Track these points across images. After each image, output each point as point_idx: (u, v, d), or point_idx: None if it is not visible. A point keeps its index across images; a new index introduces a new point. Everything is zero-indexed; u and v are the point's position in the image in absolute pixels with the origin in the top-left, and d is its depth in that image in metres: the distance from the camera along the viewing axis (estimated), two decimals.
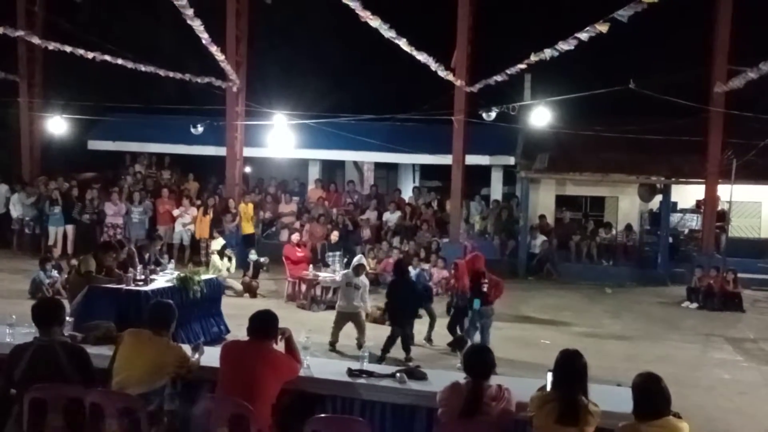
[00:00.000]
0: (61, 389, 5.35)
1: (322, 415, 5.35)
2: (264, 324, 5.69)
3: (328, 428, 5.03)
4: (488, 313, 10.85)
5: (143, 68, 17.31)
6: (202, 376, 6.01)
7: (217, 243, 16.44)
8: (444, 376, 6.10)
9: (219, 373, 5.61)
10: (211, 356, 6.09)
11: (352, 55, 24.34)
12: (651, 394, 4.66)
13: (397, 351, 10.70)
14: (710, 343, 13.09)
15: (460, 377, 5.41)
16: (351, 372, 6.06)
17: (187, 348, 6.19)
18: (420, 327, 11.89)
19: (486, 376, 5.13)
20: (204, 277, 11.45)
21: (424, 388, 5.84)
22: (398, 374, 6.01)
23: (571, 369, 5.08)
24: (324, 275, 14.99)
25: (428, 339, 11.93)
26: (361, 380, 5.96)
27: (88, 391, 5.34)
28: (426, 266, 17.17)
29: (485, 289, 10.74)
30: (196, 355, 6.14)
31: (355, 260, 12.06)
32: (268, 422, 5.40)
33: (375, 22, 10.37)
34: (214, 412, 5.36)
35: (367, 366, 6.23)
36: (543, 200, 22.52)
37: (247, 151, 21.77)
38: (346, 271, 12.11)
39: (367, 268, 12.42)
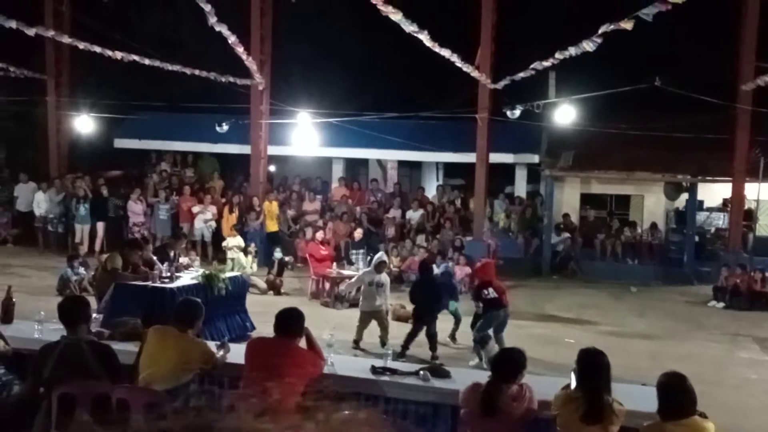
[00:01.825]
0: (89, 385, 5.42)
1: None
2: (290, 321, 5.73)
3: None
4: (503, 318, 10.80)
5: (169, 67, 17.42)
6: (227, 372, 6.06)
7: (234, 240, 16.55)
8: (468, 374, 6.12)
9: (244, 370, 5.67)
10: (236, 353, 6.14)
11: (375, 52, 24.39)
12: (676, 394, 4.64)
13: (419, 349, 10.72)
14: (737, 343, 12.97)
15: (484, 376, 5.42)
16: (375, 369, 6.09)
17: (212, 345, 6.24)
18: (443, 325, 11.88)
19: (508, 378, 5.12)
20: (229, 274, 11.53)
21: (448, 386, 5.85)
22: (422, 372, 6.03)
23: (593, 367, 5.07)
24: (348, 272, 15.03)
25: (452, 337, 11.92)
26: (385, 378, 5.99)
27: (115, 387, 5.41)
28: (450, 264, 17.15)
29: (487, 296, 10.65)
30: (221, 352, 6.19)
31: (377, 257, 12.06)
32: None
33: (396, 16, 10.37)
34: (237, 409, 5.41)
35: (391, 364, 6.26)
36: (567, 198, 22.39)
37: (271, 150, 21.84)
38: (367, 269, 12.11)
39: (390, 265, 12.42)
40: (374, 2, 9.53)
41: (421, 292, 11.18)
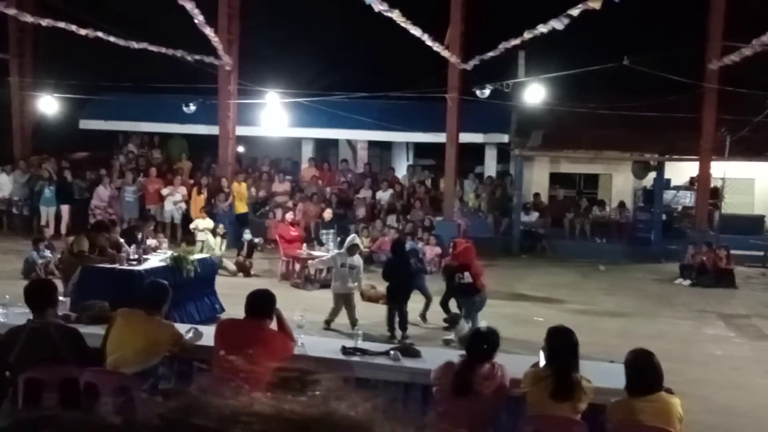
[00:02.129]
0: (56, 369, 5.36)
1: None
2: (261, 303, 5.70)
3: None
4: (481, 300, 10.87)
5: (135, 45, 17.15)
6: (197, 355, 6.02)
7: (203, 222, 16.40)
8: (438, 353, 6.14)
9: (213, 351, 5.63)
10: (205, 335, 6.10)
11: (345, 32, 24.18)
12: (643, 370, 4.70)
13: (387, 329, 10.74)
14: (703, 320, 13.16)
15: (455, 355, 5.43)
16: (345, 350, 6.08)
17: (182, 327, 6.20)
18: (414, 305, 11.90)
19: (482, 357, 5.13)
20: (198, 256, 11.43)
21: (419, 365, 5.86)
22: (392, 352, 6.04)
23: (562, 345, 5.11)
24: (318, 254, 14.98)
25: (423, 317, 11.94)
26: (356, 358, 5.98)
27: (83, 371, 5.35)
28: (419, 244, 17.16)
29: (461, 281, 10.70)
30: (190, 334, 6.14)
31: (348, 240, 11.99)
32: None
33: None
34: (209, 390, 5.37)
35: (361, 344, 6.25)
36: (537, 178, 22.52)
37: (240, 130, 21.66)
38: (339, 251, 12.07)
39: (361, 247, 12.39)
40: None
41: (395, 270, 11.18)
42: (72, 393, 5.36)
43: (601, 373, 5.53)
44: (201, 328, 6.45)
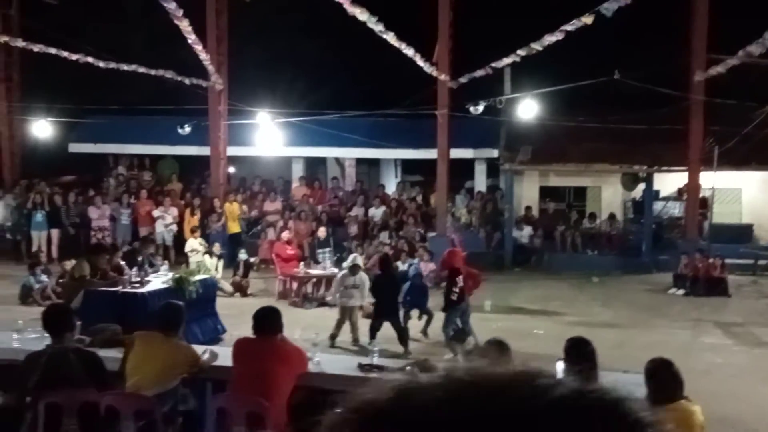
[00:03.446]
0: (76, 393, 5.36)
1: (338, 410, 5.39)
2: (268, 320, 5.73)
3: None
4: (464, 308, 10.94)
5: (125, 68, 17.18)
6: (214, 375, 6.04)
7: (195, 243, 16.34)
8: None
9: (232, 372, 5.65)
10: (221, 356, 6.12)
11: (332, 51, 24.35)
12: (664, 379, 4.77)
13: (391, 345, 10.76)
14: (700, 329, 13.28)
15: None
16: (362, 367, 6.12)
17: (198, 348, 6.22)
18: (415, 321, 11.97)
19: None
20: (198, 277, 11.44)
21: None
22: (409, 368, 6.07)
23: (583, 355, 5.17)
24: (315, 272, 15.04)
25: (424, 333, 11.99)
26: (373, 375, 6.02)
27: (104, 394, 5.36)
28: (414, 261, 17.19)
29: (456, 289, 10.77)
30: (206, 355, 6.16)
31: (349, 260, 12.17)
32: (284, 419, 5.44)
33: (363, 16, 10.42)
34: (230, 411, 5.40)
35: (377, 361, 6.29)
36: (527, 192, 22.65)
37: (231, 150, 21.69)
38: (343, 271, 12.19)
39: (361, 265, 12.49)
40: (341, 1, 9.54)
41: (382, 287, 11.28)
42: (91, 417, 5.37)
43: (618, 383, 5.58)
44: (215, 348, 6.47)
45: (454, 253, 11.59)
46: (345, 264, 11.99)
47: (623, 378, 5.96)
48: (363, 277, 11.69)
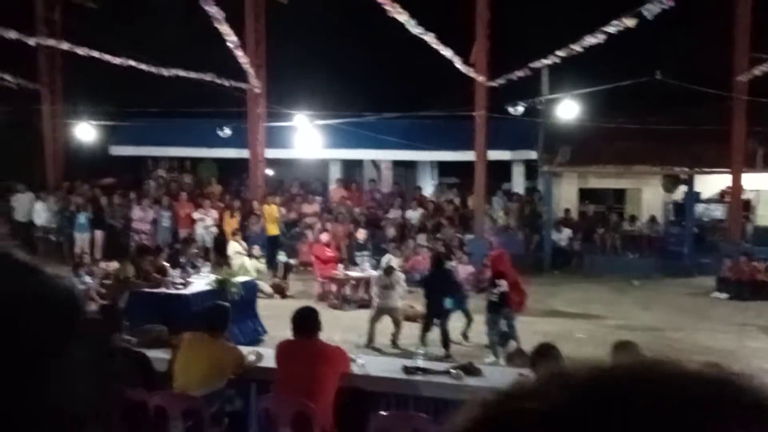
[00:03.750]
0: (125, 393, 5.41)
1: (384, 412, 5.39)
2: (307, 320, 5.75)
3: (393, 425, 5.08)
4: (508, 313, 10.83)
5: (165, 72, 17.37)
6: (258, 376, 6.07)
7: (236, 245, 16.44)
8: (498, 372, 6.15)
9: (277, 374, 5.67)
10: (266, 357, 6.15)
11: (369, 52, 24.36)
12: None
13: (431, 347, 10.74)
14: (745, 333, 13.05)
15: (513, 373, 5.43)
16: (407, 369, 6.11)
17: (244, 349, 6.25)
18: (456, 324, 11.93)
19: None
20: (240, 279, 11.52)
21: (481, 383, 5.87)
22: (454, 371, 6.05)
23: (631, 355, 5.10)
24: (354, 274, 15.10)
25: (464, 335, 11.95)
26: (418, 377, 6.00)
27: (152, 394, 5.41)
28: (453, 263, 17.16)
29: (500, 290, 10.64)
30: (252, 356, 6.20)
31: (384, 262, 12.22)
32: (330, 420, 5.45)
33: (402, 17, 10.41)
34: (275, 412, 5.42)
35: (422, 363, 6.28)
36: (565, 194, 22.47)
37: (269, 153, 21.84)
38: (379, 273, 12.23)
39: (396, 267, 12.51)
40: (381, 2, 9.54)
41: (433, 285, 11.25)
42: (140, 417, 5.42)
43: None
44: (260, 349, 6.51)
45: (501, 256, 11.49)
46: (381, 265, 12.03)
47: None
48: (398, 277, 11.71)
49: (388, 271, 11.70)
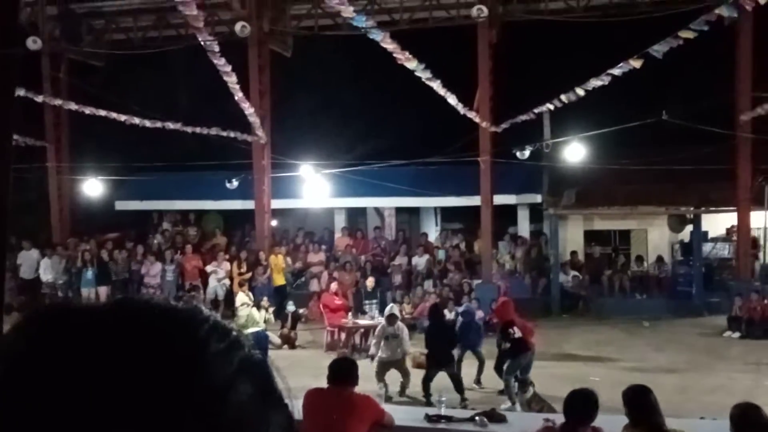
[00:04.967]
0: None
1: None
2: (347, 371, 5.66)
3: None
4: (529, 359, 10.76)
5: (170, 126, 17.50)
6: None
7: (244, 297, 16.34)
8: (521, 418, 6.06)
9: (302, 424, 5.56)
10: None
11: (372, 102, 24.54)
12: (754, 426, 4.60)
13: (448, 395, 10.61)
14: (762, 372, 12.93)
15: (538, 419, 5.35)
16: (429, 418, 6.02)
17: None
18: (467, 369, 11.82)
19: (584, 420, 5.04)
20: (251, 330, 11.44)
21: (506, 430, 5.78)
22: (478, 418, 5.96)
23: (648, 404, 5.04)
24: (363, 322, 15.01)
25: (477, 381, 11.84)
26: (441, 425, 5.92)
27: None
28: (466, 304, 17.04)
29: (513, 336, 10.63)
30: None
31: (387, 311, 12.18)
32: None
33: (411, 64, 10.51)
34: None
35: (445, 411, 6.19)
36: (571, 236, 22.43)
37: (274, 203, 21.88)
38: (381, 323, 12.17)
39: (399, 315, 12.43)
40: (391, 50, 9.65)
41: (434, 336, 11.24)
42: None
43: (695, 430, 5.43)
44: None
45: (506, 304, 11.47)
46: (383, 314, 12.00)
47: (701, 425, 5.79)
48: (401, 327, 11.63)
49: (391, 320, 11.63)
